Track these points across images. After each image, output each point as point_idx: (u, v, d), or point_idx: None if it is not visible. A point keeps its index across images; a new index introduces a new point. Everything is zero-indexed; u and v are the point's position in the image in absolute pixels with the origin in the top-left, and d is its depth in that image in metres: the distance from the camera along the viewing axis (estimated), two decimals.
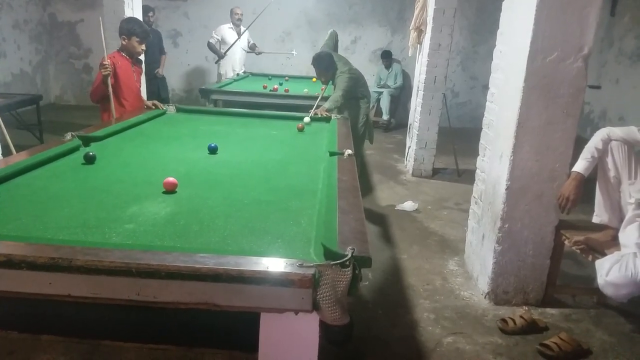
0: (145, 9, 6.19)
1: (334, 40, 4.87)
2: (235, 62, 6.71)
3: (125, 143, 2.76)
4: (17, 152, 2.83)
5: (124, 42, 3.50)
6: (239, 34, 6.58)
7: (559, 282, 2.94)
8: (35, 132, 5.40)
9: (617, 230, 2.53)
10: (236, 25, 6.62)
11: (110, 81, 3.32)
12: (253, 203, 1.86)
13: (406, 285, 3.03)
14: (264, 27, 7.68)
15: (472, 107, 8.29)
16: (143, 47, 3.53)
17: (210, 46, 6.60)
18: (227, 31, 6.60)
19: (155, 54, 6.30)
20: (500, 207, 2.78)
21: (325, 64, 4.21)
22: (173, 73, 8.39)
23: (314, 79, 6.15)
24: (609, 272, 2.29)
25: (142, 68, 3.84)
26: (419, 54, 5.56)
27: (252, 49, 6.79)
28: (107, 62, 3.29)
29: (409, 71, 8.00)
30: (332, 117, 3.72)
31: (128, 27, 3.47)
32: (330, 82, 4.41)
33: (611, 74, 6.85)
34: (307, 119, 3.51)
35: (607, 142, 2.56)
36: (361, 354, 2.36)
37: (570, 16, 2.50)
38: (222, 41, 6.59)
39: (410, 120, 5.79)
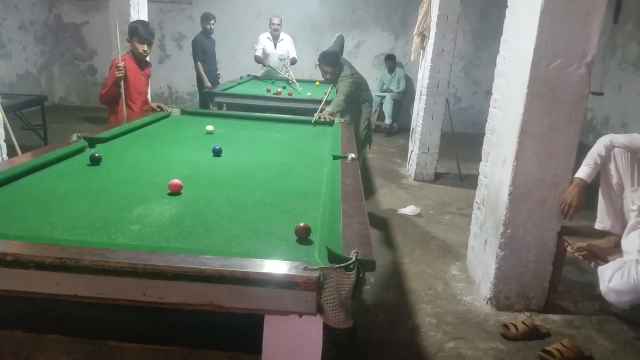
0: (207, 17, 6.34)
1: (340, 44, 4.89)
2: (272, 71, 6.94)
3: (131, 144, 2.77)
4: (22, 152, 2.85)
5: (129, 43, 3.53)
6: (275, 45, 6.75)
7: (561, 288, 2.95)
8: (39, 133, 5.42)
9: (619, 237, 2.53)
10: (273, 35, 6.74)
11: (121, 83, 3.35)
12: (257, 205, 1.87)
13: (408, 290, 3.04)
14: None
15: (475, 112, 8.30)
16: (144, 47, 3.53)
17: (255, 58, 6.79)
18: (265, 41, 6.78)
19: (214, 61, 6.59)
20: (502, 212, 2.79)
21: (332, 59, 4.27)
22: (177, 75, 8.45)
23: (317, 83, 6.16)
24: (612, 279, 2.29)
25: (151, 71, 3.86)
26: (422, 59, 5.57)
27: (292, 62, 6.83)
28: (121, 64, 3.31)
29: (411, 76, 8.01)
30: (336, 121, 3.73)
31: (131, 27, 3.51)
32: (333, 86, 4.44)
33: (614, 81, 6.86)
34: (209, 127, 3.29)
35: (610, 148, 2.57)
36: (363, 358, 2.37)
37: (573, 23, 2.51)
38: (263, 51, 6.78)
39: (412, 125, 5.80)
